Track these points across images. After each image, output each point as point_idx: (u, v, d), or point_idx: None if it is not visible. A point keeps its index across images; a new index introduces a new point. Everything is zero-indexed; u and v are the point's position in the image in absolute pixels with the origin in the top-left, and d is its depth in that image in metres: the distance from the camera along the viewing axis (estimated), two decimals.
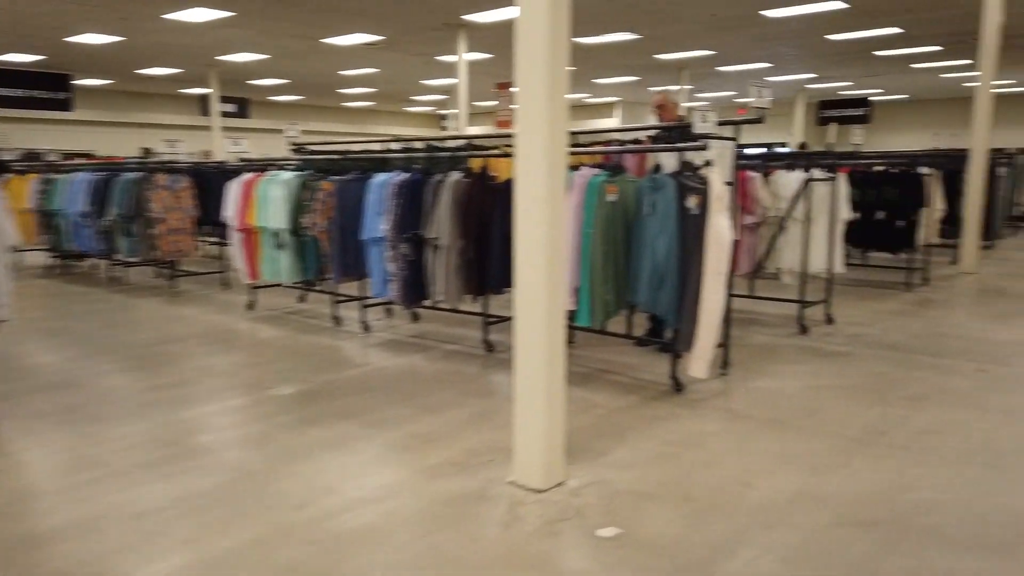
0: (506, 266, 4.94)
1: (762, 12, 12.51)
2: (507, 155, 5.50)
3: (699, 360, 4.12)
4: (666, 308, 4.30)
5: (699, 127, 4.15)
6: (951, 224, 9.30)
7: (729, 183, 4.67)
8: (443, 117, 29.39)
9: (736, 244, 6.34)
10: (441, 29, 13.77)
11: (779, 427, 3.87)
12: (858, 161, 8.07)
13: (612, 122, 27.22)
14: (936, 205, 8.29)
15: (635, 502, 3.02)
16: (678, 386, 4.46)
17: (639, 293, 4.47)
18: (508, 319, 5.57)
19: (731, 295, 6.66)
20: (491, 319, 5.64)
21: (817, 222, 6.14)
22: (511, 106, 5.18)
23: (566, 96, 3.02)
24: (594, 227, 4.40)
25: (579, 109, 28.80)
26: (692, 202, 4.15)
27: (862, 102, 22.50)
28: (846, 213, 6.49)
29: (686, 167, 4.29)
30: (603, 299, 4.49)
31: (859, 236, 7.83)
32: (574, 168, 4.68)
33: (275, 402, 4.40)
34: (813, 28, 14.02)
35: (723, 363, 4.88)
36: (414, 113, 31.76)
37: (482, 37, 14.62)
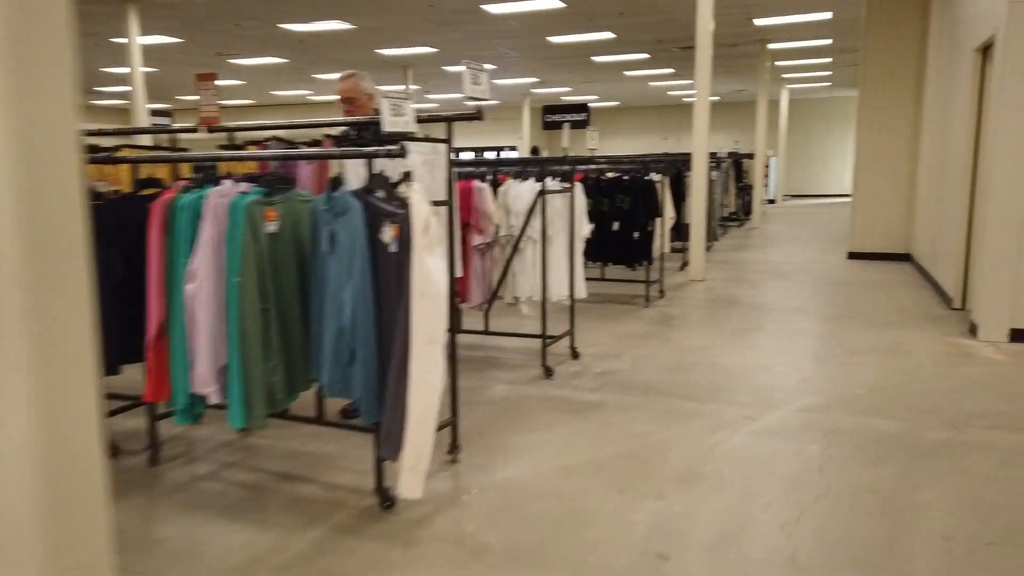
0: (132, 329, 3.25)
1: (483, 7, 11.71)
2: (127, 160, 3.71)
3: (410, 473, 2.76)
4: (361, 393, 2.89)
5: (391, 123, 2.78)
6: (675, 229, 9.17)
7: (443, 203, 3.39)
8: (154, 113, 25.23)
9: (465, 272, 5.18)
10: (105, 3, 11.08)
11: (527, 565, 2.65)
12: (590, 167, 7.38)
13: None
14: (668, 213, 7.92)
15: None
16: (387, 501, 3.07)
17: (322, 369, 3.01)
18: (138, 403, 3.83)
19: (462, 331, 5.51)
20: (122, 404, 3.83)
21: (555, 241, 5.17)
22: (218, 101, 3.45)
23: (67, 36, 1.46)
24: (244, 273, 2.86)
25: (301, 107, 26.53)
26: (388, 234, 2.79)
27: (582, 107, 23.27)
28: (585, 229, 5.62)
29: (379, 183, 2.91)
30: (265, 382, 2.96)
31: (596, 250, 7.14)
32: (213, 182, 3.09)
33: None
34: (534, 28, 13.61)
35: (452, 445, 3.61)
36: (103, 107, 27.03)
37: (164, 17, 12.14)
